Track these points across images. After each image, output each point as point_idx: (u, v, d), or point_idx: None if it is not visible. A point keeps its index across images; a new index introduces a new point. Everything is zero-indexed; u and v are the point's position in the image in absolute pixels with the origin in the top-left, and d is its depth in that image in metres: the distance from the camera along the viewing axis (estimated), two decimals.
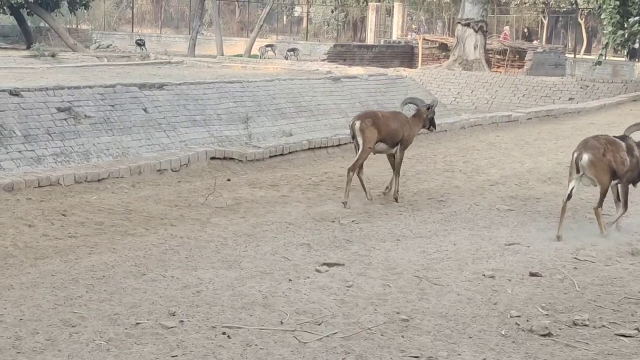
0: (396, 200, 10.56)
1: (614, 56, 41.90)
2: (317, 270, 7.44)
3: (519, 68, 37.31)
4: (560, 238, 8.85)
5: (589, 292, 7.10)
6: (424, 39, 42.77)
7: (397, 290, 6.99)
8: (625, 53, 40.75)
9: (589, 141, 9.06)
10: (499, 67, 37.90)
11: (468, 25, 35.70)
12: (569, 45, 50.20)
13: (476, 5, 35.60)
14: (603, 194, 8.99)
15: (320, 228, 9.10)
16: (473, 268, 7.71)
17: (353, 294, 6.83)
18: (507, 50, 38.62)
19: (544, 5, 49.16)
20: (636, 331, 6.16)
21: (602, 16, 28.17)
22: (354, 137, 10.43)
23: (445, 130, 15.98)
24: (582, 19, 48.56)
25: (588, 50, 48.94)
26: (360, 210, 10.03)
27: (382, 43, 45.73)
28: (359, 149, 10.34)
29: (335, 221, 9.41)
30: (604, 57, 29.72)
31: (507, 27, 46.55)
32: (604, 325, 6.30)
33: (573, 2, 47.36)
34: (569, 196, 9.07)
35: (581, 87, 29.24)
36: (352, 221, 9.41)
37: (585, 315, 6.45)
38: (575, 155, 9.01)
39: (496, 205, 10.49)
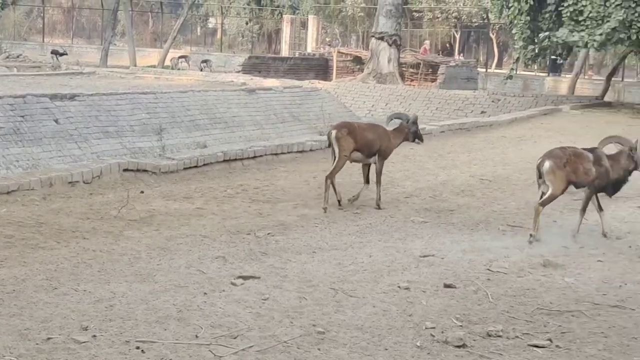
0: (378, 207, 10.97)
1: (524, 71, 42.70)
2: (233, 284, 7.37)
3: (432, 82, 37.77)
4: (533, 239, 9.32)
5: (502, 303, 7.18)
6: (338, 52, 42.99)
7: (313, 302, 6.96)
8: (546, 67, 41.66)
9: (554, 150, 9.69)
10: (412, 80, 38.32)
11: (382, 38, 36.02)
12: (481, 59, 51.03)
13: (390, 19, 35.95)
14: (551, 199, 9.50)
15: (235, 241, 9.03)
16: (388, 280, 7.73)
17: (269, 307, 6.79)
18: (420, 64, 39.06)
19: (456, 20, 49.85)
20: (549, 342, 6.24)
21: (513, 31, 28.73)
22: (329, 145, 10.92)
23: None
24: (493, 34, 49.38)
25: (499, 65, 49.83)
26: (276, 222, 10.00)
27: (297, 55, 45.86)
28: (335, 158, 10.76)
29: (250, 234, 9.36)
30: (515, 72, 30.28)
31: (427, 42, 47.10)
32: (517, 336, 6.37)
33: (485, 17, 48.11)
34: (541, 200, 9.56)
35: (493, 101, 29.75)
36: (268, 234, 9.37)
37: (499, 326, 6.52)
38: (538, 162, 9.60)
39: (411, 217, 10.56)
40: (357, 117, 24.24)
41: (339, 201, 11.03)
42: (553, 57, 41.67)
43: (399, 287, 7.50)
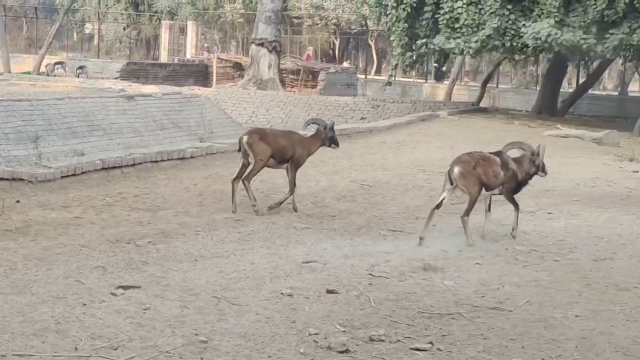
0: (295, 210, 11.26)
1: (403, 77, 43.37)
2: (113, 294, 7.22)
3: (313, 88, 37.97)
4: (422, 240, 9.57)
5: (384, 308, 7.24)
6: (218, 58, 42.81)
7: (195, 311, 6.88)
8: (424, 73, 42.35)
9: (462, 156, 9.93)
10: (293, 86, 38.45)
11: (262, 45, 36.03)
12: (360, 66, 51.55)
13: (269, 25, 35.98)
14: (471, 204, 9.77)
15: (115, 250, 8.86)
16: (271, 287, 7.71)
17: (150, 317, 6.67)
18: (300, 70, 39.23)
19: (335, 27, 50.26)
20: (430, 345, 6.33)
21: (392, 38, 29.11)
22: (240, 150, 11.04)
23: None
24: (372, 41, 49.97)
25: (378, 71, 50.48)
26: (157, 230, 9.86)
27: (176, 62, 45.44)
28: (251, 163, 10.92)
29: (130, 243, 9.19)
30: (393, 78, 30.70)
31: (310, 48, 47.39)
32: (399, 340, 6.43)
33: (363, 24, 48.62)
34: (438, 205, 9.81)
35: (372, 107, 30.10)
36: (149, 242, 9.22)
37: (382, 330, 6.57)
38: (449, 168, 9.81)
39: (293, 223, 10.56)
40: (238, 123, 24.20)
41: (253, 205, 11.06)
42: (436, 64, 42.61)
43: (281, 293, 7.48)
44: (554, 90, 31.90)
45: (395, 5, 27.26)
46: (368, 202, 12.29)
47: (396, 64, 29.73)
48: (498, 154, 10.09)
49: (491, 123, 25.29)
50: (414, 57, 28.31)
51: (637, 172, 16.59)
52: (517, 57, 31.30)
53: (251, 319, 6.77)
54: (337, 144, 11.75)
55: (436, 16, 26.82)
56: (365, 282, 8.03)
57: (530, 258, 9.25)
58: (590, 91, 35.16)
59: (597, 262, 9.20)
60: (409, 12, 27.17)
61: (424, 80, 44.08)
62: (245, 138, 10.92)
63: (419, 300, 7.51)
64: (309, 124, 11.98)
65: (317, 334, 6.46)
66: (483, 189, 9.83)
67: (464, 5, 26.13)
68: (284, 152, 11.08)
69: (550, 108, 31.15)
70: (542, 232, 10.63)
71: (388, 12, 27.74)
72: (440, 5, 26.62)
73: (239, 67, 41.29)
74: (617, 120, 30.87)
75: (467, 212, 9.76)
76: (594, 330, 6.88)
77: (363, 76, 45.70)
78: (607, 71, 42.09)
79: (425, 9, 27.05)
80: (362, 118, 29.28)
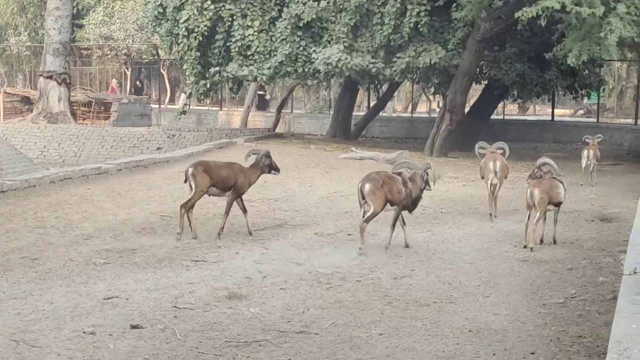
0: (219, 235, 11.82)
1: (197, 105, 43.25)
2: None
3: (105, 119, 37.21)
4: (362, 251, 10.69)
5: (191, 340, 7.15)
6: (5, 93, 41.29)
7: None
8: (219, 101, 42.29)
9: (371, 174, 11.15)
10: (84, 119, 37.55)
11: (51, 77, 35.03)
12: (153, 95, 51.01)
13: (57, 57, 35.05)
14: (372, 216, 10.92)
15: None
16: (72, 326, 7.46)
17: None
18: (92, 101, 38.43)
19: (126, 57, 49.55)
20: None
21: (185, 67, 28.98)
22: (186, 181, 12.03)
23: (34, 186, 15.45)
24: (164, 70, 49.58)
25: (172, 100, 50.02)
26: None
27: None
28: (192, 192, 11.83)
29: None
30: (188, 107, 30.56)
31: (114, 81, 46.41)
32: None
33: (155, 53, 48.20)
34: (367, 219, 10.92)
35: (168, 137, 29.85)
36: None
37: None
38: (359, 185, 11.00)
39: (92, 259, 10.27)
40: (30, 159, 23.39)
41: (193, 234, 11.78)
42: (260, 92, 42.75)
43: (84, 332, 7.26)
44: (347, 114, 32.65)
45: (186, 34, 27.18)
46: (169, 233, 12.12)
47: (190, 93, 29.62)
48: (398, 173, 11.35)
49: (288, 148, 25.59)
50: (208, 85, 28.28)
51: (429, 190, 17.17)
52: (309, 82, 31.83)
53: None
54: (277, 170, 12.62)
55: (228, 44, 26.95)
56: (170, 314, 7.90)
57: (333, 280, 9.38)
58: (381, 113, 36.20)
59: (397, 280, 9.45)
60: (201, 41, 27.16)
61: (219, 108, 44.13)
62: (190, 170, 11.93)
63: (225, 330, 7.46)
64: (249, 155, 12.68)
65: None
66: (388, 204, 10.97)
67: (255, 33, 26.40)
68: (225, 181, 12.02)
69: (344, 131, 31.86)
70: (342, 253, 10.81)
71: (179, 41, 27.62)
72: (232, 34, 26.76)
73: (27, 101, 39.94)
74: (408, 141, 31.96)
75: (367, 221, 10.88)
76: (397, 347, 7.04)
77: (157, 106, 45.27)
78: (396, 93, 43.47)
79: (217, 37, 27.12)
80: (158, 148, 28.99)
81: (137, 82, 49.16)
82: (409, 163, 12.08)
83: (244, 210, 12.15)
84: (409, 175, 11.48)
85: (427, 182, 11.58)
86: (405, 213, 11.48)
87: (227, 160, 13.64)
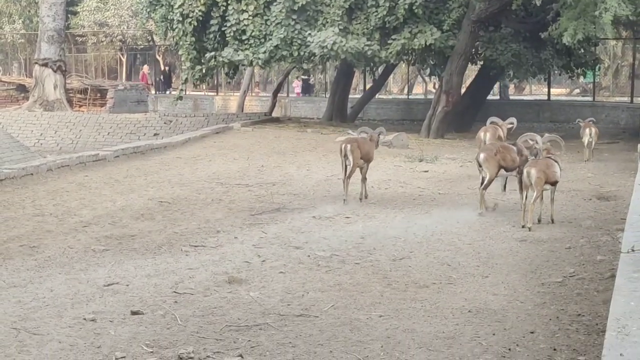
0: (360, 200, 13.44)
1: (194, 90, 43.20)
2: None
3: (102, 106, 37.24)
4: (483, 213, 12.15)
5: (191, 325, 7.17)
6: (0, 81, 41.27)
7: None
8: (215, 86, 42.19)
9: (487, 145, 13.15)
10: (81, 106, 37.56)
11: (46, 65, 35.05)
12: (150, 81, 50.98)
13: (52, 45, 35.04)
14: (489, 182, 12.31)
15: None
16: (73, 313, 7.48)
17: None
18: (88, 89, 38.40)
19: (121, 43, 49.44)
20: (240, 357, 6.32)
21: (180, 52, 28.97)
22: (345, 155, 13.34)
23: (32, 174, 15.45)
24: (160, 56, 49.48)
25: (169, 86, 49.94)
26: None
27: None
28: (350, 164, 13.28)
29: None
30: (184, 92, 30.55)
31: (146, 67, 46.16)
32: (208, 356, 6.39)
33: (150, 39, 48.09)
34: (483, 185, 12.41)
35: (165, 123, 29.87)
36: None
37: (190, 347, 6.50)
38: (476, 156, 12.64)
39: (91, 246, 10.29)
40: (26, 147, 23.39)
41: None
42: (304, 77, 42.57)
43: (84, 319, 7.27)
44: (343, 96, 32.65)
45: (181, 19, 27.14)
46: (167, 219, 12.14)
47: (186, 79, 29.61)
48: (514, 143, 12.63)
49: (284, 132, 25.61)
50: (204, 71, 28.25)
51: (427, 172, 17.23)
52: (305, 65, 31.81)
53: (54, 347, 6.55)
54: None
55: (223, 29, 26.90)
56: (170, 300, 7.92)
57: (332, 263, 9.40)
58: (377, 96, 36.19)
59: (395, 262, 9.47)
60: (196, 26, 27.12)
61: (215, 93, 44.08)
62: (348, 146, 13.19)
63: (225, 314, 7.48)
64: (361, 132, 14.18)
65: (124, 357, 6.33)
66: (502, 170, 12.37)
67: (250, 17, 26.35)
68: (368, 156, 13.61)
69: (340, 114, 31.87)
70: (341, 236, 10.83)
71: (174, 27, 27.57)
72: (227, 18, 26.71)
73: (23, 89, 39.95)
74: (405, 123, 31.96)
75: (485, 187, 12.30)
76: (397, 328, 7.07)
77: (153, 92, 45.24)
78: (392, 75, 43.43)
79: (212, 22, 27.07)
80: (155, 134, 29.00)
81: (166, 68, 48.59)
82: (531, 135, 12.93)
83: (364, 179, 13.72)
84: (528, 145, 12.64)
85: (536, 154, 12.49)
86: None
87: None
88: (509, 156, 12.32)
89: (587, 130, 18.99)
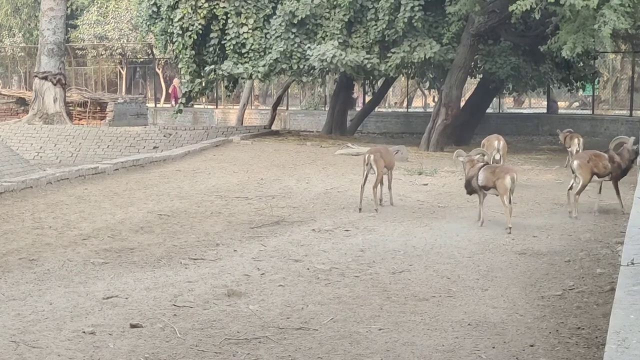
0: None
1: (194, 104, 43.24)
2: None
3: (101, 119, 37.23)
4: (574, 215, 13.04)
5: (191, 338, 7.16)
6: (0, 94, 41.30)
7: None
8: (214, 100, 42.20)
9: (580, 153, 14.18)
10: (80, 119, 37.57)
11: (46, 78, 35.05)
12: (149, 94, 51.02)
13: (52, 58, 35.06)
14: (582, 187, 13.23)
15: None
16: (72, 326, 7.47)
17: None
18: (87, 102, 38.42)
19: (121, 57, 49.53)
20: None
21: (180, 65, 28.99)
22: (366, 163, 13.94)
23: (31, 187, 15.45)
24: (159, 69, 49.56)
25: (168, 99, 50.05)
26: None
27: None
28: (374, 173, 13.83)
29: None
30: (184, 105, 30.61)
31: (176, 80, 45.99)
32: None
33: (150, 52, 48.17)
34: (578, 192, 13.39)
35: (165, 136, 29.88)
36: None
37: None
38: (570, 162, 13.91)
39: (91, 259, 10.28)
40: (26, 160, 23.41)
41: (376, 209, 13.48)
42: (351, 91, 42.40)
43: (83, 332, 7.27)
44: (343, 110, 32.69)
45: (180, 33, 27.17)
46: (167, 232, 12.13)
47: (185, 92, 29.65)
48: (606, 151, 13.67)
49: (284, 145, 25.62)
50: (203, 84, 28.29)
51: (426, 185, 17.22)
52: (304, 79, 31.82)
53: None
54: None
55: (223, 42, 26.94)
56: (170, 313, 7.92)
57: (331, 276, 9.40)
58: (376, 109, 36.23)
59: (395, 275, 9.47)
60: (195, 39, 27.16)
61: (215, 106, 44.13)
62: (371, 157, 13.80)
63: (225, 327, 7.47)
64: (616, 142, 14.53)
65: None
66: (595, 176, 13.31)
67: (250, 31, 26.40)
68: (390, 164, 14.57)
69: (340, 127, 31.90)
70: (340, 249, 10.83)
71: (174, 40, 27.60)
72: (226, 32, 26.75)
73: (22, 102, 39.98)
74: (404, 136, 31.99)
75: (579, 192, 13.19)
76: (397, 341, 7.06)
77: (153, 105, 45.27)
78: (391, 89, 43.50)
79: (212, 35, 27.11)
80: (154, 147, 29.00)
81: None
82: (622, 138, 14.29)
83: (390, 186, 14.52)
84: (618, 151, 13.72)
85: (637, 154, 13.83)
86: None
87: None
88: (601, 163, 13.36)
89: (576, 140, 19.31)
